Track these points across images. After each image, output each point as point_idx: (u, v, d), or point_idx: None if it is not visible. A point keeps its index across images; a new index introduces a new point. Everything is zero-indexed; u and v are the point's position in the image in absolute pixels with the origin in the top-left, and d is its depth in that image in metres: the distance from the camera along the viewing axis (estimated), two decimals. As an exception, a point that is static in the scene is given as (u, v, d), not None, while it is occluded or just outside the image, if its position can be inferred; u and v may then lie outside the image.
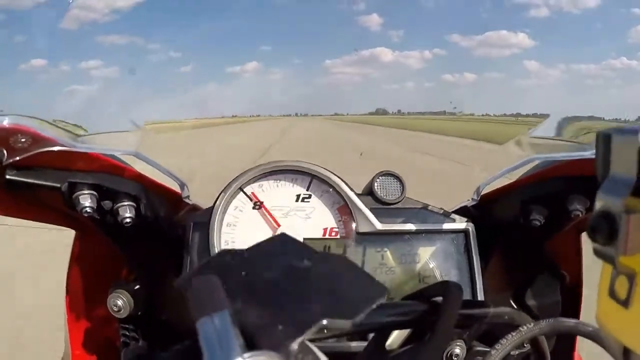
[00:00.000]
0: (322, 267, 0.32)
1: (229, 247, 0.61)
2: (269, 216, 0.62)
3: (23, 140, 0.46)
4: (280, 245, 0.36)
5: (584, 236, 0.67)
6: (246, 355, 0.24)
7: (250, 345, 0.28)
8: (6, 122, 0.45)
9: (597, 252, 0.26)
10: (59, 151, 0.48)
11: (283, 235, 0.37)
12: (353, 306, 0.28)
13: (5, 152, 0.46)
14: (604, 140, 0.26)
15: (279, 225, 0.61)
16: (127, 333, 0.62)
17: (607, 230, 0.24)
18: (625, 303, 0.25)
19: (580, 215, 0.56)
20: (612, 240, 0.24)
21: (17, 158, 0.47)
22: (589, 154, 0.51)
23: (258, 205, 0.62)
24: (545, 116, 0.62)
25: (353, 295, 0.30)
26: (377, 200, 0.64)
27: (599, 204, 0.25)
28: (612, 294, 0.26)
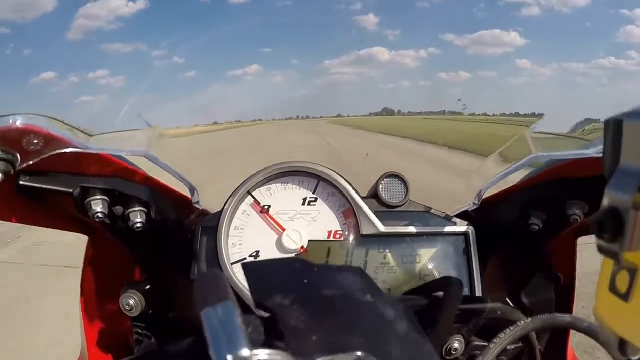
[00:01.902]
0: (381, 310, 0.32)
1: (236, 249, 0.62)
2: (272, 222, 0.63)
3: (35, 141, 0.46)
4: (352, 277, 0.35)
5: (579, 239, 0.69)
6: (259, 351, 0.25)
7: (271, 342, 0.28)
8: (19, 122, 0.45)
9: (600, 249, 0.26)
10: (70, 153, 0.49)
11: (359, 270, 0.37)
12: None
13: (18, 155, 0.46)
14: (615, 126, 0.25)
15: (283, 230, 0.62)
16: (140, 331, 0.63)
17: (613, 227, 0.24)
18: (625, 296, 0.25)
19: (579, 220, 0.57)
20: (617, 237, 0.24)
21: (30, 162, 0.47)
22: (593, 151, 0.50)
23: (266, 208, 0.64)
24: (541, 116, 0.63)
25: (396, 351, 0.29)
26: (382, 203, 0.65)
27: (606, 200, 0.25)
28: (613, 288, 0.26)
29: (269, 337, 0.30)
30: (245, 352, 0.23)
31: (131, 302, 0.59)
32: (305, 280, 0.33)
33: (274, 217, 0.63)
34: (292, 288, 0.32)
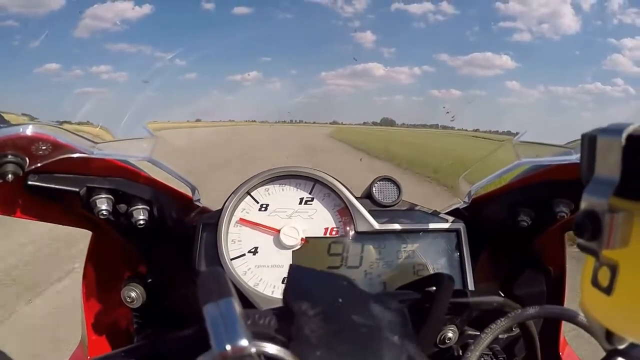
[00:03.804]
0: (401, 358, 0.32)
1: (236, 245, 0.64)
2: (270, 219, 0.65)
3: (44, 148, 0.49)
4: (389, 316, 0.35)
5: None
6: (259, 343, 0.26)
7: (274, 337, 0.30)
8: (28, 131, 0.47)
9: (581, 247, 0.27)
10: (77, 157, 0.51)
11: (402, 314, 0.36)
12: None
13: (27, 159, 0.48)
14: (589, 141, 0.27)
15: (277, 232, 0.64)
16: (140, 321, 0.66)
17: (591, 228, 0.26)
18: (607, 290, 0.27)
19: (566, 216, 0.60)
20: (596, 237, 0.26)
21: (38, 165, 0.50)
22: (574, 158, 0.53)
23: (264, 207, 0.66)
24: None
25: None
26: (375, 203, 0.67)
27: (584, 204, 0.27)
28: (595, 282, 0.28)
29: (273, 333, 0.31)
30: (244, 342, 0.25)
31: (133, 294, 0.62)
32: (341, 300, 0.33)
33: (272, 215, 0.66)
34: (324, 302, 0.32)
